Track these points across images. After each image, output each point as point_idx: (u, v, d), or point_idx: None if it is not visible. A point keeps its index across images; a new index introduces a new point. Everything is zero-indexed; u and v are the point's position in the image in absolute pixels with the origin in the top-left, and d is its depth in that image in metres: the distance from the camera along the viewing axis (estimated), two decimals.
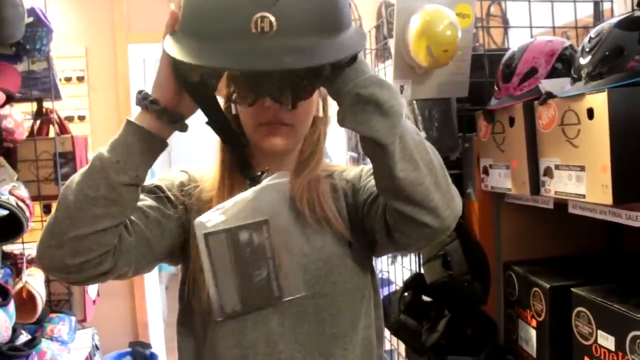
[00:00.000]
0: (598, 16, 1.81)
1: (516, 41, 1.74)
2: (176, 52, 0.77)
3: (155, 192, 1.02)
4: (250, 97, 0.90)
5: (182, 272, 1.07)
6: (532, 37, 1.90)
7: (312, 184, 1.05)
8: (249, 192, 0.90)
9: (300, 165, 1.08)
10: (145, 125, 0.86)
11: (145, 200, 0.99)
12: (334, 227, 1.03)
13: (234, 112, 1.03)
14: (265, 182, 0.92)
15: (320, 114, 1.07)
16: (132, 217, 0.93)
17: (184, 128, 0.90)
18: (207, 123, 0.94)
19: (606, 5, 1.78)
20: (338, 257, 1.02)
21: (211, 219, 0.87)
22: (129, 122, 0.87)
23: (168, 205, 1.02)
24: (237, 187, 1.00)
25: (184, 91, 0.87)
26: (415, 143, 0.85)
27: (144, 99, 0.86)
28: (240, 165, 0.99)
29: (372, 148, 0.83)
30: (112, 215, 0.84)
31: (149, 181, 1.00)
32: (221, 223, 0.88)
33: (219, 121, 0.94)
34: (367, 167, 1.13)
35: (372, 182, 1.04)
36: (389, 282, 2.30)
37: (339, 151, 3.37)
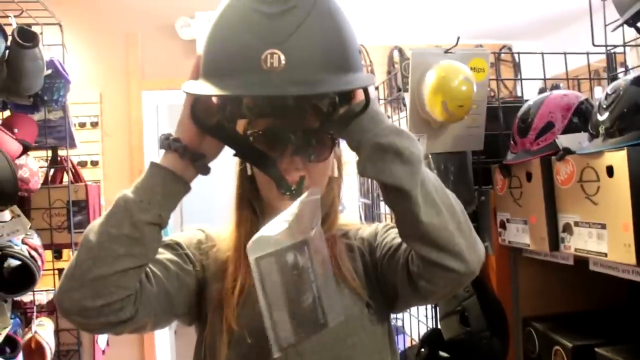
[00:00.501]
0: (611, 66, 1.82)
1: (528, 88, 1.75)
2: (191, 89, 0.82)
3: (175, 247, 1.02)
4: (276, 151, 0.93)
5: (197, 334, 1.06)
6: (545, 86, 1.91)
7: (328, 244, 1.04)
8: (294, 207, 0.86)
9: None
10: (168, 166, 0.88)
11: (165, 254, 0.99)
12: (352, 287, 1.02)
13: (249, 172, 1.03)
14: (302, 197, 0.88)
15: (335, 174, 1.07)
16: (153, 268, 0.93)
17: (205, 170, 0.91)
18: (235, 155, 0.96)
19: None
20: (357, 319, 1.00)
21: (263, 235, 0.81)
22: (152, 164, 0.89)
23: (187, 261, 1.01)
24: None
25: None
26: (436, 188, 0.85)
27: (166, 139, 0.89)
28: (276, 182, 0.95)
29: (395, 196, 0.83)
30: (134, 255, 0.84)
31: (164, 239, 1.00)
32: (271, 244, 0.82)
33: (244, 149, 0.95)
34: (382, 224, 1.13)
35: (389, 237, 1.04)
36: (402, 331, 2.25)
37: (351, 197, 3.36)
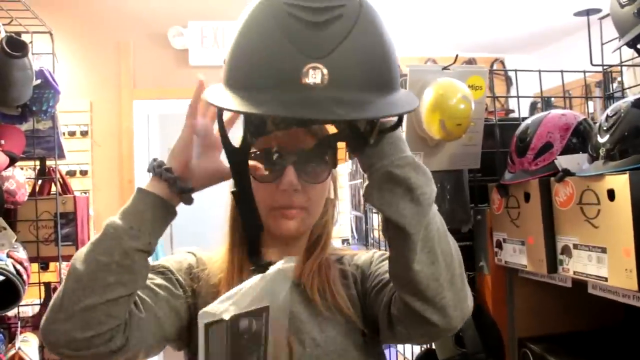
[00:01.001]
0: (607, 86, 1.82)
1: (521, 102, 1.73)
2: (223, 102, 0.73)
3: (164, 272, 0.99)
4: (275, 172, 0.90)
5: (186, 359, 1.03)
6: (542, 104, 1.91)
7: (323, 270, 1.01)
8: (256, 279, 0.86)
9: (309, 248, 1.04)
10: (156, 192, 0.86)
11: (154, 279, 0.95)
12: (346, 315, 0.98)
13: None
14: (273, 268, 0.88)
15: (331, 195, 1.04)
16: (142, 295, 0.90)
17: (189, 201, 0.89)
18: (233, 192, 0.90)
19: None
20: (353, 348, 0.97)
21: (217, 310, 0.82)
22: (140, 189, 0.86)
23: (177, 286, 0.98)
24: (246, 272, 0.97)
25: (202, 166, 0.89)
26: (439, 235, 0.81)
27: (158, 167, 0.87)
28: (249, 249, 0.94)
29: (394, 233, 0.80)
30: (124, 283, 0.81)
31: (152, 262, 0.97)
32: (225, 312, 0.83)
33: (245, 193, 0.89)
34: (379, 252, 1.10)
35: (382, 269, 1.01)
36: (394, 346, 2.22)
37: (342, 209, 3.34)
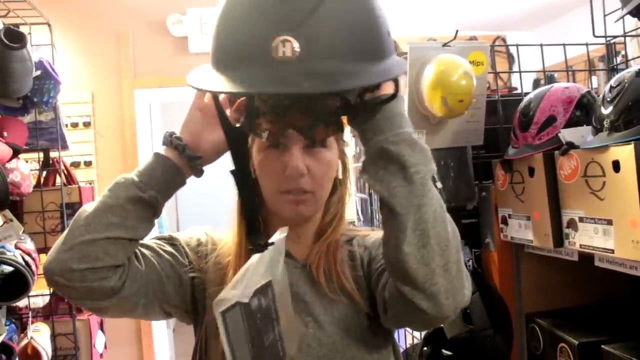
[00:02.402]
0: (611, 58, 1.80)
1: (523, 79, 1.72)
2: (195, 81, 0.75)
3: (171, 241, 1.01)
4: (278, 134, 0.89)
5: (195, 337, 1.03)
6: (539, 78, 1.89)
7: (330, 251, 1.00)
8: (256, 257, 0.86)
9: (320, 229, 1.03)
10: (169, 157, 0.90)
11: (162, 245, 0.98)
12: (351, 297, 0.98)
13: (253, 176, 0.99)
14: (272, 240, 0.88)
15: (340, 175, 1.03)
16: (145, 252, 0.93)
17: (199, 173, 0.92)
18: (232, 172, 0.90)
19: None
20: (356, 330, 0.96)
21: (229, 295, 0.83)
22: (156, 153, 0.91)
23: (183, 256, 1.00)
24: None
25: (209, 137, 0.90)
26: (435, 217, 0.76)
27: (170, 136, 0.90)
28: (247, 228, 0.93)
29: (386, 211, 0.78)
30: (126, 226, 0.85)
31: (163, 234, 1.03)
32: (236, 296, 0.84)
33: (243, 173, 0.90)
34: None
35: None
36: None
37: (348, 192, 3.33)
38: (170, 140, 0.90)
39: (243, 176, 0.89)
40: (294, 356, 0.91)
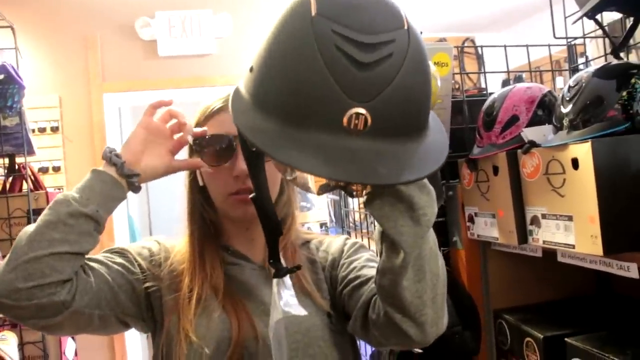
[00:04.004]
0: (572, 58, 1.84)
1: (491, 80, 1.75)
2: (253, 133, 0.69)
3: (121, 252, 1.02)
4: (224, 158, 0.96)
5: (153, 344, 1.03)
6: (509, 79, 1.92)
7: (288, 254, 1.03)
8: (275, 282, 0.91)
9: None
10: (108, 172, 0.92)
11: (111, 257, 0.99)
12: (312, 298, 1.01)
13: (201, 183, 1.03)
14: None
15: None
16: (94, 265, 0.93)
17: (136, 189, 0.95)
18: (253, 198, 0.86)
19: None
20: (318, 329, 0.99)
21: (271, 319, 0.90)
22: (93, 170, 0.93)
23: (135, 265, 1.00)
24: (208, 260, 1.00)
25: (148, 159, 0.94)
26: (431, 254, 0.80)
27: (109, 152, 0.93)
28: (270, 253, 0.89)
29: (389, 247, 0.79)
30: (69, 242, 0.85)
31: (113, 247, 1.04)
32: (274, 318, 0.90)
33: (262, 198, 0.86)
34: (351, 240, 1.11)
35: (358, 263, 1.02)
36: None
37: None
38: (110, 157, 0.92)
39: (262, 202, 0.86)
40: (254, 352, 0.93)
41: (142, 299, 0.99)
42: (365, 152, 0.65)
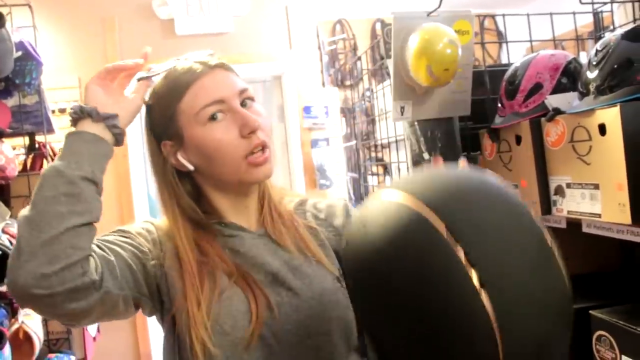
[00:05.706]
0: (598, 27, 1.78)
1: (512, 54, 1.71)
2: None
3: (125, 234, 0.96)
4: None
5: (162, 326, 0.99)
6: (532, 51, 1.87)
7: (285, 217, 1.02)
8: None
9: (261, 196, 1.03)
10: (83, 129, 0.86)
11: (118, 238, 0.94)
12: (319, 259, 0.99)
13: (191, 167, 0.97)
14: None
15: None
16: (107, 245, 0.89)
17: (119, 136, 0.89)
18: None
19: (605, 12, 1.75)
20: (331, 293, 0.97)
21: None
22: (68, 134, 0.86)
23: (141, 244, 0.95)
24: (209, 249, 0.96)
25: (115, 97, 0.90)
26: None
27: (77, 107, 0.87)
28: None
29: None
30: (78, 212, 0.80)
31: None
32: None
33: None
34: (343, 203, 1.11)
35: None
36: None
37: (339, 172, 3.33)
38: (80, 108, 0.87)
39: None
40: (270, 323, 0.91)
41: (151, 280, 0.94)
42: None
